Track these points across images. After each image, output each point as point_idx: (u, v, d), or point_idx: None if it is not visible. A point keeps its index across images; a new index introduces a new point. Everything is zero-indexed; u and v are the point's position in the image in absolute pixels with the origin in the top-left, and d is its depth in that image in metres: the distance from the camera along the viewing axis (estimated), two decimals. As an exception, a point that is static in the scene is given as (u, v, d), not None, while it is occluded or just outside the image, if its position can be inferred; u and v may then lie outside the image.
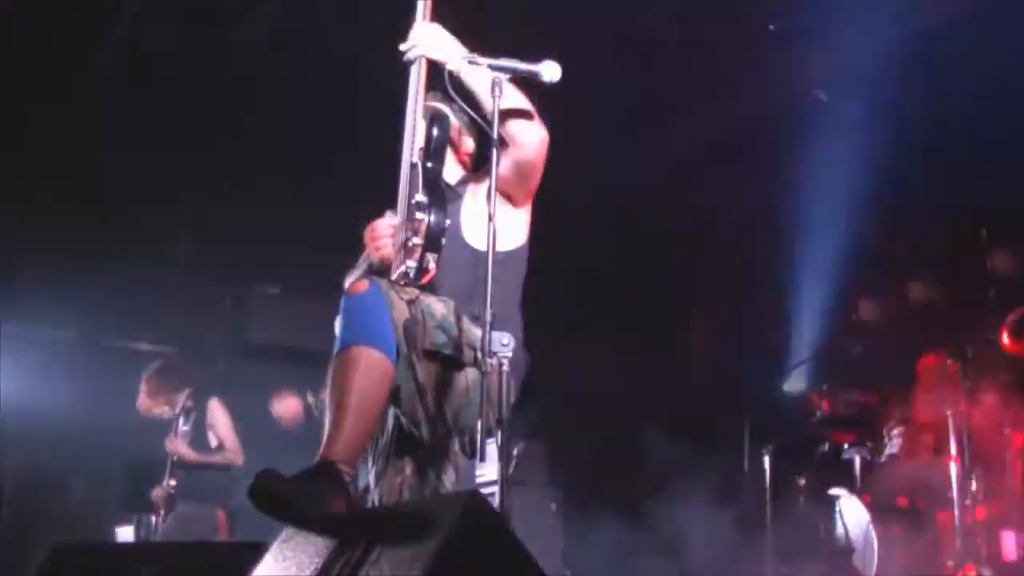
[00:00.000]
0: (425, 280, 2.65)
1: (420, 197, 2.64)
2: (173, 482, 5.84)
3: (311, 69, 6.20)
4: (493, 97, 2.64)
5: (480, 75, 2.73)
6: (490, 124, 2.65)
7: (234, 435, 5.94)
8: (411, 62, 2.85)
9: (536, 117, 2.84)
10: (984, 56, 5.40)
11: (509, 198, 2.91)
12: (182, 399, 5.98)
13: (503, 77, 2.66)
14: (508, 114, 2.75)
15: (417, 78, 2.84)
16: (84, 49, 6.21)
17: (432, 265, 2.62)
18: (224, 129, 6.80)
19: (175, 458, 5.87)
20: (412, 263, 2.61)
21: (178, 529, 5.69)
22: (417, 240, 2.60)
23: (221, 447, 5.92)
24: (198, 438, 5.94)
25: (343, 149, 6.65)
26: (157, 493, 5.88)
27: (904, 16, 5.43)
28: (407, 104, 2.84)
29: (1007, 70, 5.39)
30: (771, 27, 5.73)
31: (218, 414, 5.98)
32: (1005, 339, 5.25)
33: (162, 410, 5.99)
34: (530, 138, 2.83)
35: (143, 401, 6.02)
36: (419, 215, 2.61)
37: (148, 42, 6.08)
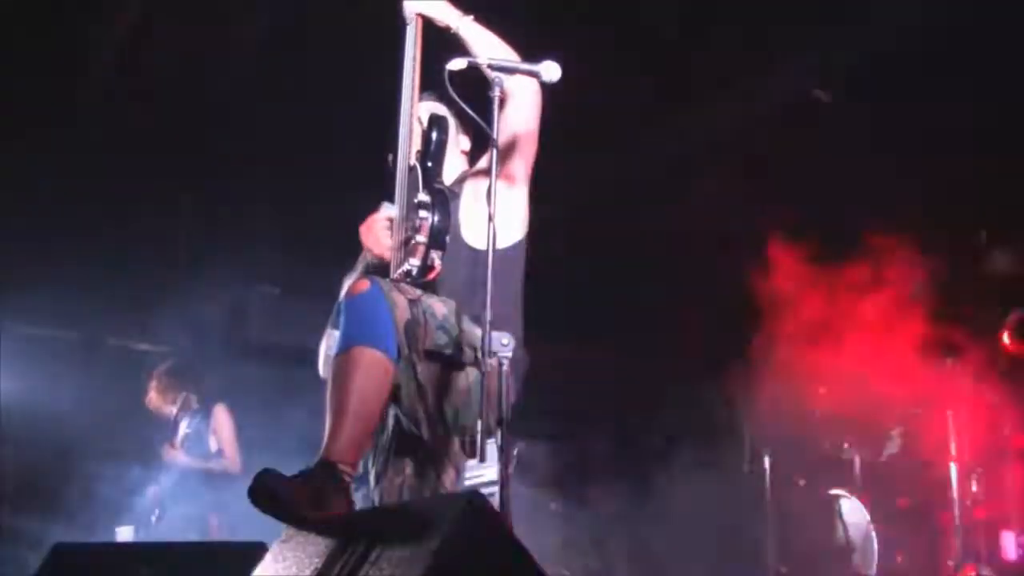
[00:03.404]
0: (431, 276, 2.66)
1: (422, 196, 2.64)
2: (169, 483, 5.87)
3: (311, 69, 6.20)
4: (493, 96, 2.64)
5: (476, 31, 2.81)
6: (488, 121, 2.64)
7: (235, 444, 5.98)
8: (407, 21, 2.88)
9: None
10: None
11: (508, 175, 2.87)
12: (182, 399, 6.01)
13: (503, 77, 2.66)
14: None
15: (414, 39, 2.87)
16: (84, 49, 6.21)
17: (438, 262, 2.62)
18: (224, 129, 6.79)
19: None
20: (415, 261, 2.62)
21: (171, 530, 5.71)
22: (421, 238, 2.60)
23: (220, 453, 5.94)
24: (199, 441, 5.95)
25: (343, 149, 6.64)
26: (153, 491, 5.90)
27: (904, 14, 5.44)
28: (403, 67, 2.86)
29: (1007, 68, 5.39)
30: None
31: (222, 420, 6.01)
32: (1005, 339, 5.25)
33: (170, 409, 6.07)
34: (522, 87, 2.82)
35: (152, 398, 6.11)
36: (422, 213, 2.61)
37: (147, 42, 6.08)
